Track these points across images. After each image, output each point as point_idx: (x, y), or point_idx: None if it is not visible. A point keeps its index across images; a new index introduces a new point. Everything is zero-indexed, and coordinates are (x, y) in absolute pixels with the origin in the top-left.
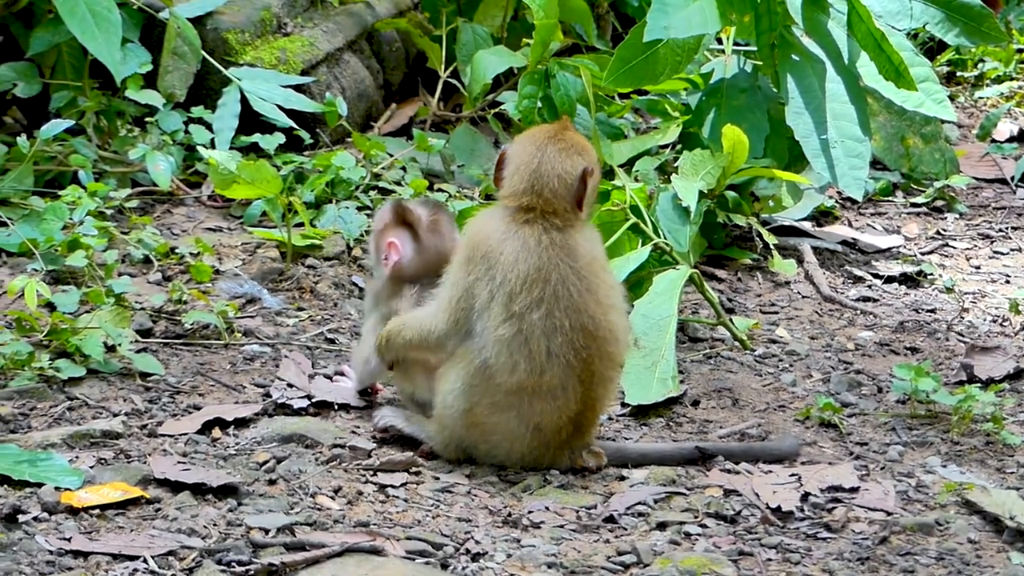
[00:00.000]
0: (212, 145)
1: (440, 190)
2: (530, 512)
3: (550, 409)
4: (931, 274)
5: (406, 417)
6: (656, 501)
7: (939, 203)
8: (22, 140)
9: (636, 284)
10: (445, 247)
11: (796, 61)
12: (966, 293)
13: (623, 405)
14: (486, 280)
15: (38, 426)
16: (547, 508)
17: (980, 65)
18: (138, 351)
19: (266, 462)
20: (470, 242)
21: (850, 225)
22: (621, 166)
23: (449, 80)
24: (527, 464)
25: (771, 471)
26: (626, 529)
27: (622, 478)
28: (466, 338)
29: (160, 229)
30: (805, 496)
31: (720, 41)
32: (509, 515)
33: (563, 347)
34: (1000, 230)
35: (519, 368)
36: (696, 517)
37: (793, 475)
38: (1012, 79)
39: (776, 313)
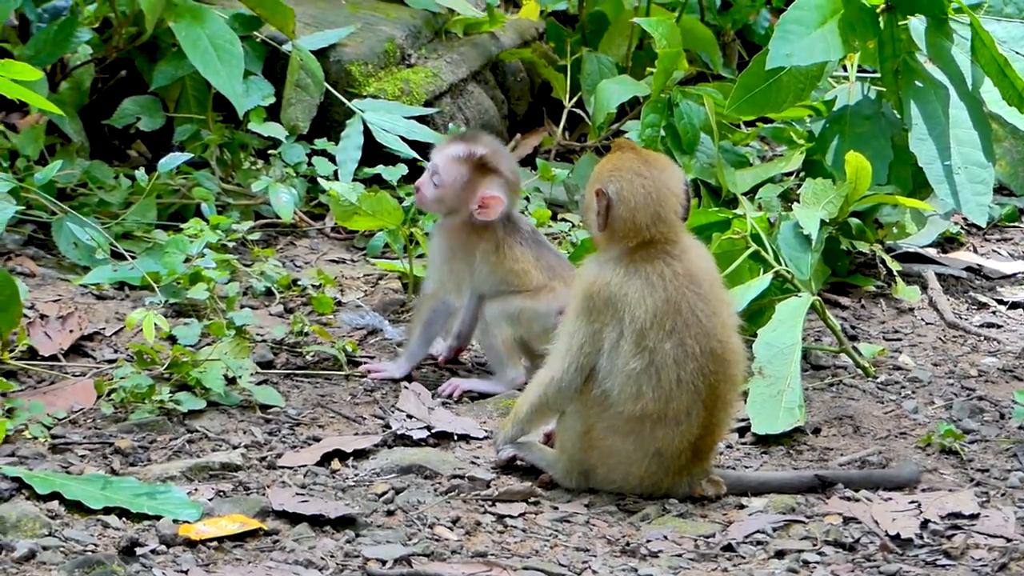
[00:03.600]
0: (335, 177)
1: (564, 219)
2: (648, 541)
3: (672, 435)
4: None
5: (528, 447)
6: (775, 529)
7: None
8: (140, 174)
9: (757, 312)
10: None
11: (919, 87)
12: None
13: (741, 433)
14: (613, 324)
15: (157, 459)
16: (665, 537)
17: None
18: (259, 383)
19: (384, 493)
20: (587, 293)
21: (975, 251)
22: (745, 194)
23: (574, 110)
24: (645, 490)
25: (890, 498)
26: (744, 558)
27: (741, 506)
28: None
29: (282, 261)
30: (925, 523)
31: (844, 68)
32: (627, 544)
33: (693, 374)
34: None
35: (644, 397)
36: (815, 545)
37: (913, 502)
38: None
39: (899, 340)
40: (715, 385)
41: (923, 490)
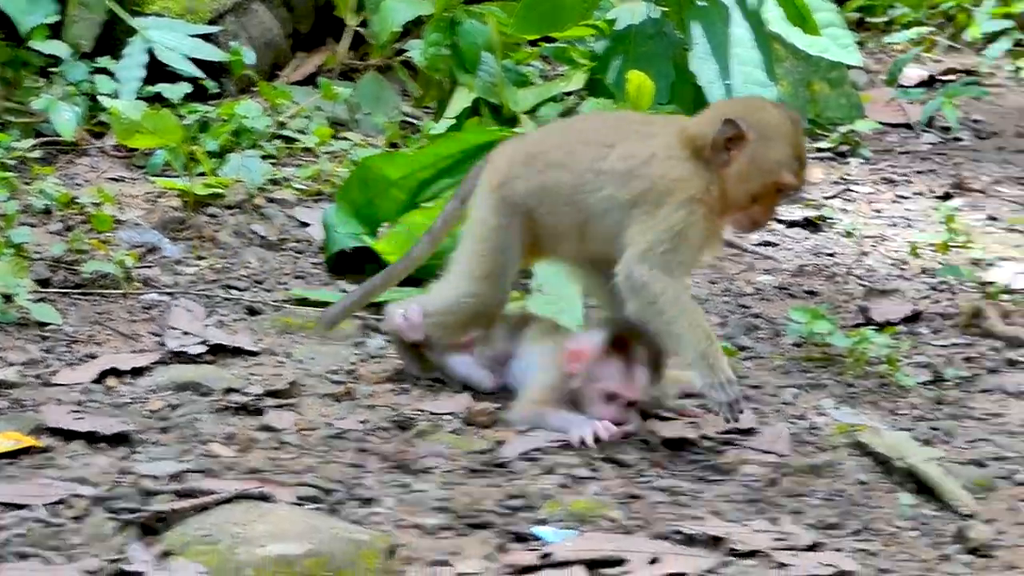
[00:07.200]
0: (116, 95)
1: (344, 138)
2: (422, 457)
3: None
4: (832, 218)
5: None
6: (551, 448)
7: (844, 148)
8: None
9: None
10: None
11: (701, 7)
12: (867, 237)
13: None
14: None
15: None
16: (440, 454)
17: (890, 11)
18: (36, 301)
19: (159, 410)
20: None
21: None
22: (526, 113)
23: (357, 29)
24: None
25: (669, 417)
26: (516, 473)
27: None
28: None
29: (63, 179)
30: (701, 438)
31: None
32: (401, 461)
33: None
34: (903, 175)
35: None
36: (590, 462)
37: (691, 423)
38: (922, 24)
39: None
40: None
41: (699, 406)
